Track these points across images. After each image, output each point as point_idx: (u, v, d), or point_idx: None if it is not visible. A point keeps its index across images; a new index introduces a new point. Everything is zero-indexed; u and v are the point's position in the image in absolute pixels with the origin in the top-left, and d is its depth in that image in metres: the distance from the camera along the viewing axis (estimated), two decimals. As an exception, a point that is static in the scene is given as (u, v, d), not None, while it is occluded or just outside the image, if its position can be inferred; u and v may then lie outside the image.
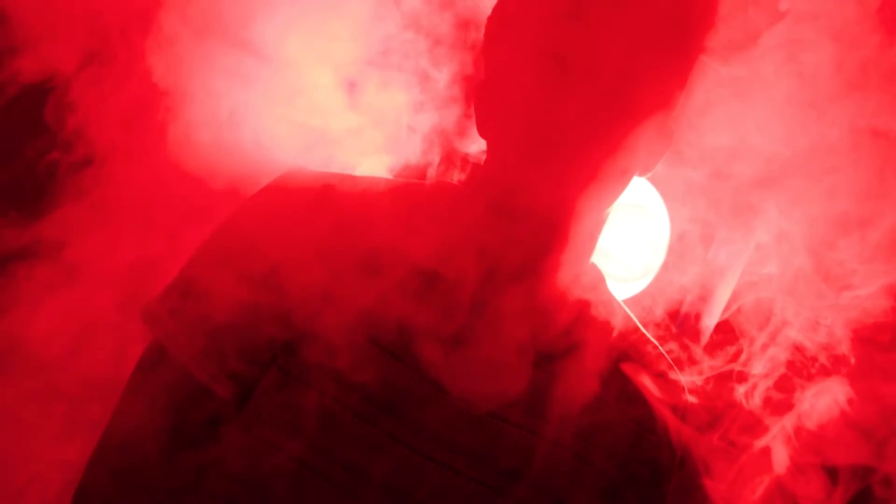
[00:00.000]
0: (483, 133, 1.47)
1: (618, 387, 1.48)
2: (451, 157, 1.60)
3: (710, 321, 1.75)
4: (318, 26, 1.60)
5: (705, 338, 1.73)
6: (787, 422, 1.41)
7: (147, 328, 1.41)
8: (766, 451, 1.44)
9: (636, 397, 1.48)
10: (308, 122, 1.62)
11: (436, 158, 1.61)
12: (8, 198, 1.58)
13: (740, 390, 1.47)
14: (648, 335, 1.55)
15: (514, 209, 1.40)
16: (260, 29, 1.59)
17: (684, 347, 1.56)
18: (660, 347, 1.54)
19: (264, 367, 1.39)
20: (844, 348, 1.44)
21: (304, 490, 1.37)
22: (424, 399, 1.40)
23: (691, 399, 1.51)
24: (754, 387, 1.47)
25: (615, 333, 1.50)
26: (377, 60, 1.62)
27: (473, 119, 1.50)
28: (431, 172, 1.62)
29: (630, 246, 1.86)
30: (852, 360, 1.43)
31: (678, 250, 1.80)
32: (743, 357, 1.50)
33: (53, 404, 1.59)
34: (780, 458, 1.42)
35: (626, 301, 1.83)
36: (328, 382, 1.38)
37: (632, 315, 1.56)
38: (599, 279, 1.55)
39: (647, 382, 1.49)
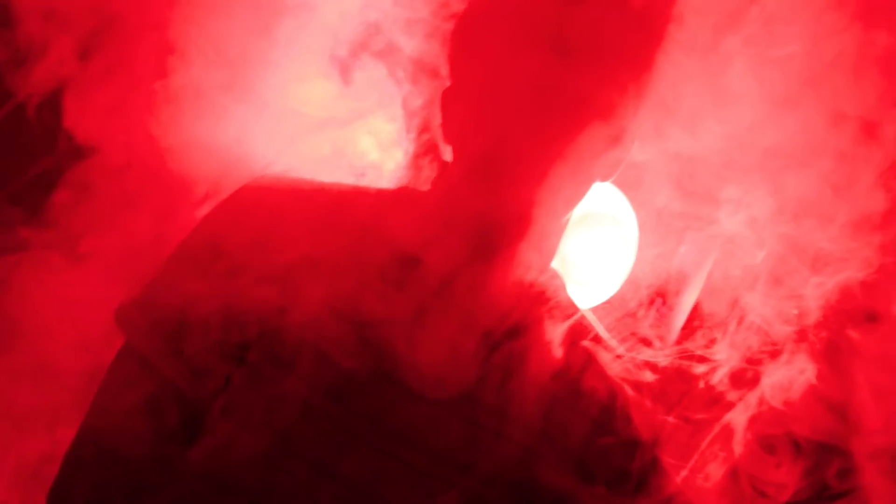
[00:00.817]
0: (447, 138, 1.52)
1: (571, 385, 1.50)
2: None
3: (679, 320, 1.73)
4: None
5: (675, 334, 1.71)
6: (752, 398, 1.39)
7: (120, 329, 1.46)
8: (729, 431, 1.42)
9: (592, 397, 1.50)
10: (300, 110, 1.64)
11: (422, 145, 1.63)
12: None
13: (702, 369, 1.45)
14: (608, 336, 1.58)
15: (470, 212, 1.45)
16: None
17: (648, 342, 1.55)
18: (620, 349, 1.56)
19: (234, 365, 1.43)
20: (812, 330, 1.43)
21: (272, 485, 1.41)
22: (388, 397, 1.44)
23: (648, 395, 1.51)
24: (716, 368, 1.45)
25: (567, 332, 1.52)
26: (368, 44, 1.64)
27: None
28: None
29: (597, 253, 1.85)
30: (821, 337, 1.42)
31: (647, 250, 1.79)
32: (713, 345, 1.49)
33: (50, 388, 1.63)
34: (741, 437, 1.40)
35: (595, 307, 1.82)
36: (294, 380, 1.42)
37: (592, 318, 1.60)
38: (558, 284, 1.57)
39: (603, 380, 1.51)
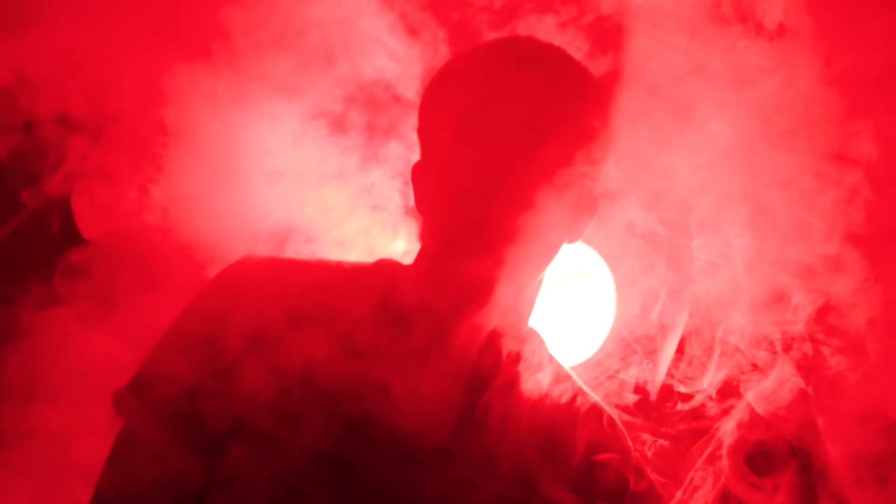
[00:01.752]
0: (419, 210, 1.61)
1: (547, 436, 1.56)
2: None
3: (661, 374, 1.77)
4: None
5: (657, 387, 1.74)
6: (737, 409, 1.43)
7: (119, 414, 1.52)
8: (717, 445, 1.45)
9: (569, 450, 1.55)
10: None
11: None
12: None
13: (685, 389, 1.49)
14: (587, 389, 1.63)
15: (441, 277, 1.53)
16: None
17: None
18: (600, 402, 1.62)
19: (229, 442, 1.49)
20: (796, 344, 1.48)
21: None
22: (374, 458, 1.49)
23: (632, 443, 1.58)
24: (700, 387, 1.50)
25: (547, 387, 1.59)
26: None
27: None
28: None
29: (576, 312, 1.90)
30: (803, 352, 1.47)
31: (623, 309, 1.84)
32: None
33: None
34: (728, 450, 1.43)
35: (577, 366, 1.86)
36: (287, 452, 1.48)
37: (571, 373, 1.65)
38: (537, 341, 1.63)
39: (591, 406, 1.58)
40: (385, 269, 1.62)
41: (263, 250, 1.78)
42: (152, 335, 1.56)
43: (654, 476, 1.51)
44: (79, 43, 1.68)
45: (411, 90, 1.74)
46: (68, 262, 1.71)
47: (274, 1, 1.72)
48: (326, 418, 1.49)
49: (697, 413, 1.49)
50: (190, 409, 1.50)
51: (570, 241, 1.60)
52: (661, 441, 1.51)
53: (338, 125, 1.77)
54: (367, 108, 1.77)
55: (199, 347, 1.51)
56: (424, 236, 1.60)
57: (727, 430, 1.45)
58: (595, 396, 1.63)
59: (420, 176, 1.60)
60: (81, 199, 1.74)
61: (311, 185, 1.76)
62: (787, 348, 1.48)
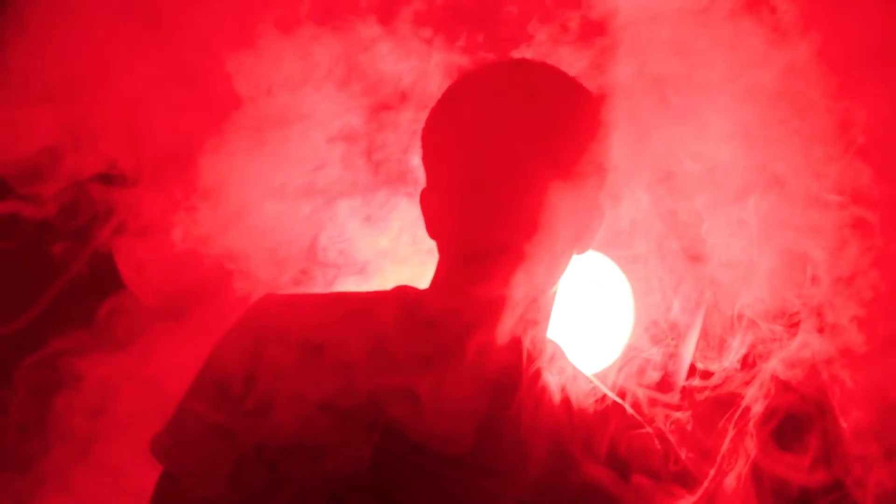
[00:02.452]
0: (431, 235, 1.65)
1: (575, 441, 1.58)
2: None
3: (682, 373, 1.79)
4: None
5: (680, 385, 1.77)
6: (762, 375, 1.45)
7: (158, 460, 1.58)
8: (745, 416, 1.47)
9: (598, 454, 1.58)
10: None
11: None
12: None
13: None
14: (611, 394, 1.65)
15: (454, 299, 1.58)
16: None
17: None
18: (625, 406, 1.64)
19: (264, 473, 1.54)
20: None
21: None
22: (404, 478, 1.54)
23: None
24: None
25: (572, 395, 1.62)
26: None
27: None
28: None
29: (593, 321, 1.92)
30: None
31: (642, 317, 1.87)
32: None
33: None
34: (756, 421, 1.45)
35: (599, 373, 1.88)
36: (319, 479, 1.53)
37: (594, 379, 1.67)
38: (557, 351, 1.67)
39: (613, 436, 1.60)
40: (402, 294, 1.66)
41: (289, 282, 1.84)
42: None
43: (685, 455, 1.52)
44: (116, 99, 1.75)
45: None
46: (111, 309, 1.76)
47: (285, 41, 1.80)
48: (354, 442, 1.53)
49: (723, 388, 1.51)
50: (225, 450, 1.55)
51: (580, 252, 1.64)
52: (682, 415, 1.53)
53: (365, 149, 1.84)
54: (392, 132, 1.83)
55: (228, 388, 1.57)
56: (439, 260, 1.65)
57: (752, 399, 1.47)
58: (620, 400, 1.65)
59: (428, 202, 1.65)
60: (124, 250, 1.79)
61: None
62: (804, 320, 1.51)
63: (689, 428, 1.54)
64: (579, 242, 1.62)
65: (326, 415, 1.54)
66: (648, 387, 1.70)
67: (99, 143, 1.74)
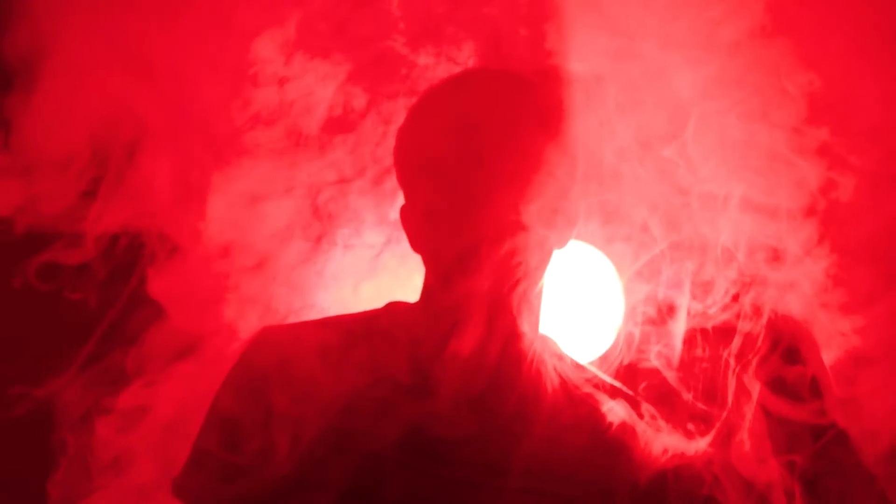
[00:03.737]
0: (415, 249, 1.70)
1: (579, 430, 1.64)
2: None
3: (678, 345, 1.80)
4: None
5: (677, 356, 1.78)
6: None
7: (179, 498, 1.66)
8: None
9: (600, 443, 1.63)
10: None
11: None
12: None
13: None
14: (610, 380, 1.70)
15: (441, 307, 1.63)
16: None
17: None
18: (624, 389, 1.69)
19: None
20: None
21: None
22: (410, 486, 1.60)
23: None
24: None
25: (570, 384, 1.68)
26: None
27: None
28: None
29: (584, 311, 1.94)
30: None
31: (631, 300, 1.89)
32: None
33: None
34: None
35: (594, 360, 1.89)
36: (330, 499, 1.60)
37: (592, 368, 1.72)
38: (551, 343, 1.72)
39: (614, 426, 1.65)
40: (393, 311, 1.71)
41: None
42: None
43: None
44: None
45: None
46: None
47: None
48: (360, 459, 1.59)
49: (716, 319, 1.54)
50: (242, 483, 1.61)
51: (561, 246, 1.68)
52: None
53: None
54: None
55: (238, 425, 1.64)
56: (425, 273, 1.69)
57: (747, 334, 1.49)
58: (621, 385, 1.69)
59: (407, 218, 1.69)
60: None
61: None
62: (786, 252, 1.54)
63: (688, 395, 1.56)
64: (558, 237, 1.66)
65: (331, 437, 1.60)
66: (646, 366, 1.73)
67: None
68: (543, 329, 1.73)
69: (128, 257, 1.77)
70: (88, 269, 1.74)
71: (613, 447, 1.63)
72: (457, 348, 1.58)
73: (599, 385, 1.69)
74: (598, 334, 1.95)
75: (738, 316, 1.54)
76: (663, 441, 1.63)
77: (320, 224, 1.87)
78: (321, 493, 1.59)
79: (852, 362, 1.61)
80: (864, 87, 1.60)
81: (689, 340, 1.62)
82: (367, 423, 1.61)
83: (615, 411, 1.65)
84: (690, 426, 1.62)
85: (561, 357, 1.71)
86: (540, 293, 1.68)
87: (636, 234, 1.82)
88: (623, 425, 1.64)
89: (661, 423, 1.65)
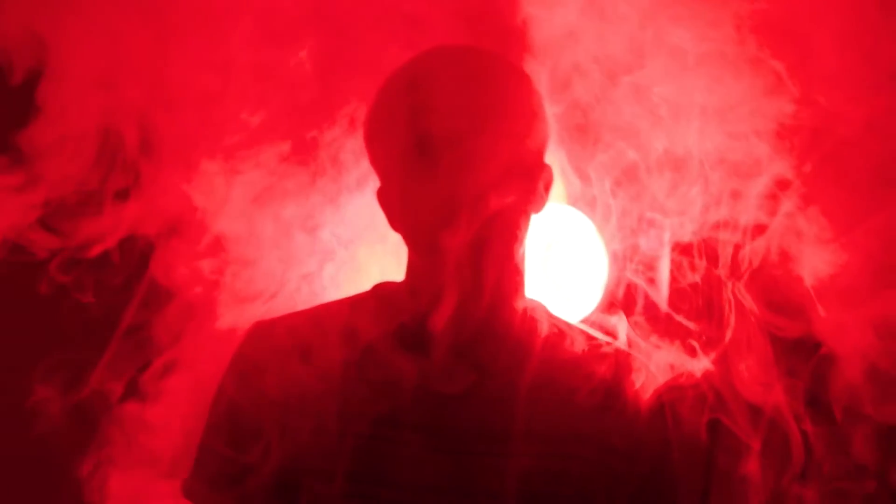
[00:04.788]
0: (395, 229, 1.73)
1: (580, 389, 1.68)
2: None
3: (664, 293, 1.88)
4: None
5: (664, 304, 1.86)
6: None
7: (188, 499, 1.73)
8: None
9: (600, 401, 1.68)
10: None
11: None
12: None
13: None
14: (603, 337, 1.75)
15: (429, 282, 1.64)
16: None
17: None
18: (618, 345, 1.74)
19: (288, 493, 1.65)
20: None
21: None
22: (404, 461, 1.64)
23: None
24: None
25: (567, 344, 1.72)
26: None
27: None
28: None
29: (570, 273, 2.01)
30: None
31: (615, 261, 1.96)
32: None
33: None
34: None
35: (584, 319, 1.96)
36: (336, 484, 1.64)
37: (583, 326, 1.77)
38: (539, 307, 1.76)
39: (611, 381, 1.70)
40: (380, 291, 1.76)
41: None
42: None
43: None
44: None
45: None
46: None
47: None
48: (362, 441, 1.64)
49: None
50: (250, 479, 1.66)
51: (538, 210, 1.71)
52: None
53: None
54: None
55: (240, 422, 1.68)
56: (408, 251, 1.73)
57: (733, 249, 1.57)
58: (614, 341, 1.74)
59: (385, 199, 1.72)
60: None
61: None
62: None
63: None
64: (535, 203, 1.70)
65: (333, 424, 1.65)
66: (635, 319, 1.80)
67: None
68: (530, 294, 1.77)
69: (135, 261, 1.82)
70: (103, 272, 1.79)
71: (610, 392, 1.68)
72: (442, 314, 1.60)
73: (591, 337, 1.74)
74: (586, 292, 2.02)
75: (716, 227, 1.61)
76: (668, 359, 1.69)
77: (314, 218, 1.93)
78: (328, 480, 1.63)
79: (830, 285, 1.69)
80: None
81: (678, 267, 1.69)
82: (365, 404, 1.65)
83: (608, 356, 1.70)
84: (693, 342, 1.67)
85: (551, 316, 1.75)
86: (523, 258, 1.71)
87: (607, 191, 1.89)
88: (616, 371, 1.69)
89: (664, 344, 1.71)
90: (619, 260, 1.90)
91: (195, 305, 1.85)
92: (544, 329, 1.71)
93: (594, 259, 2.00)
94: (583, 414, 1.66)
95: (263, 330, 1.74)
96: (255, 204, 1.87)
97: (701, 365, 1.64)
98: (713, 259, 1.66)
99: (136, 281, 1.78)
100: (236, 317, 1.86)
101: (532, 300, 1.75)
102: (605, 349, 1.72)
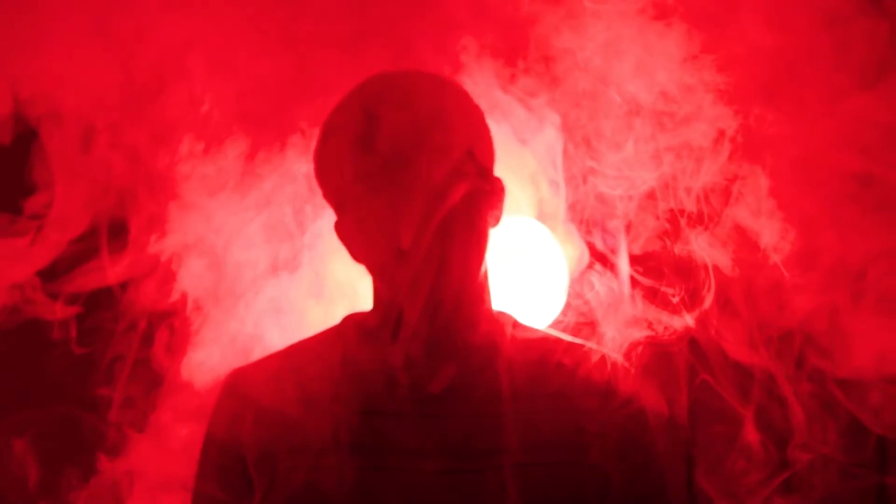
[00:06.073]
0: (357, 260, 1.75)
1: (558, 396, 1.70)
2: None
3: (625, 281, 1.91)
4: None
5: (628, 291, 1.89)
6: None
7: None
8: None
9: (575, 402, 1.70)
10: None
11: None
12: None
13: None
14: (577, 340, 1.78)
15: (397, 309, 1.65)
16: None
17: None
18: (589, 345, 1.76)
19: None
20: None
21: None
22: (400, 486, 1.66)
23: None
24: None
25: (541, 351, 1.74)
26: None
27: None
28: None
29: (534, 280, 2.03)
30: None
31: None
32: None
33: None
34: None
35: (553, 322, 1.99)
36: None
37: (554, 332, 1.81)
38: (507, 317, 1.78)
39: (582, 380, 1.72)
40: (350, 323, 1.78)
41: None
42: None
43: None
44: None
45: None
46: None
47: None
48: (348, 472, 1.65)
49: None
50: None
51: (494, 224, 1.73)
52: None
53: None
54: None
55: (229, 467, 1.70)
56: (372, 280, 1.74)
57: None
58: (588, 343, 1.76)
59: (343, 232, 1.74)
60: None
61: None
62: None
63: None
64: (491, 218, 1.72)
65: (318, 460, 1.66)
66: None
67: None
68: (498, 306, 1.78)
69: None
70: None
71: (591, 392, 1.70)
72: (406, 337, 1.62)
73: (564, 341, 1.76)
74: (550, 299, 2.05)
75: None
76: (650, 316, 1.72)
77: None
78: None
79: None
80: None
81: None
82: (351, 436, 1.66)
83: (583, 358, 1.72)
84: (672, 295, 1.70)
85: (520, 325, 1.77)
86: (486, 272, 1.73)
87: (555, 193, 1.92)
88: (593, 371, 1.71)
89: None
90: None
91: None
92: (518, 339, 1.73)
93: (554, 266, 2.02)
94: (566, 418, 1.68)
95: (241, 376, 1.76)
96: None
97: (681, 322, 1.65)
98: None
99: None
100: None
101: (500, 312, 1.77)
102: (578, 351, 1.73)
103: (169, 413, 1.85)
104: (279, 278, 1.96)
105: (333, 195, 1.73)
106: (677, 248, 1.72)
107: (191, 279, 1.91)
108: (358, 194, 1.66)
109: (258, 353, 1.91)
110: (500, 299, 1.88)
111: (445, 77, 1.77)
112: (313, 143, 1.75)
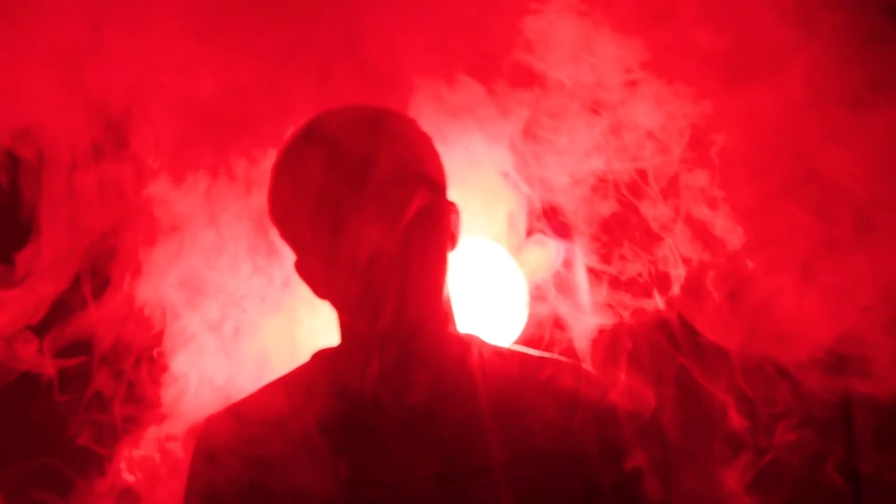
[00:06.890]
0: (321, 297, 1.77)
1: (532, 412, 1.73)
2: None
3: (585, 294, 1.94)
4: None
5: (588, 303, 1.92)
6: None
7: None
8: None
9: (558, 413, 1.73)
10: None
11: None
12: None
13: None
14: (537, 352, 1.82)
15: (364, 340, 1.70)
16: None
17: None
18: (558, 358, 1.81)
19: None
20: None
21: None
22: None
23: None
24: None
25: (510, 367, 1.77)
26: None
27: None
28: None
29: (495, 301, 2.06)
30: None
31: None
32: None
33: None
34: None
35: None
36: None
37: (520, 348, 1.84)
38: (474, 338, 1.81)
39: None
40: (319, 359, 1.79)
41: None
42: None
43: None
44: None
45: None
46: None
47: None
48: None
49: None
50: None
51: (452, 248, 1.76)
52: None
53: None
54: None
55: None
56: (338, 315, 1.76)
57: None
58: (555, 356, 1.81)
59: (304, 271, 1.76)
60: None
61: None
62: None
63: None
64: (450, 241, 1.74)
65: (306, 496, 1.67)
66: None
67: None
68: (462, 328, 1.81)
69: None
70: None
71: (564, 402, 1.73)
72: (379, 369, 1.67)
73: (531, 356, 1.79)
74: (512, 315, 2.08)
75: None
76: (624, 301, 1.75)
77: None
78: None
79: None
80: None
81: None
82: (334, 471, 1.67)
83: (552, 370, 1.76)
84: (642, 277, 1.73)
85: (487, 344, 1.80)
86: (449, 295, 1.76)
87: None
88: (563, 381, 1.74)
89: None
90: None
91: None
92: (487, 358, 1.76)
93: (512, 283, 2.06)
94: (543, 430, 1.70)
95: (214, 424, 1.77)
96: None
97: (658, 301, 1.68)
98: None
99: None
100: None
101: (466, 333, 1.80)
102: (548, 364, 1.77)
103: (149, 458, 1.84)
104: (256, 307, 1.96)
105: (292, 234, 1.75)
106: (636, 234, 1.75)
107: (170, 314, 1.91)
108: (315, 232, 1.68)
109: (237, 389, 1.93)
110: (463, 322, 1.91)
111: (389, 108, 1.79)
112: (266, 187, 1.77)
